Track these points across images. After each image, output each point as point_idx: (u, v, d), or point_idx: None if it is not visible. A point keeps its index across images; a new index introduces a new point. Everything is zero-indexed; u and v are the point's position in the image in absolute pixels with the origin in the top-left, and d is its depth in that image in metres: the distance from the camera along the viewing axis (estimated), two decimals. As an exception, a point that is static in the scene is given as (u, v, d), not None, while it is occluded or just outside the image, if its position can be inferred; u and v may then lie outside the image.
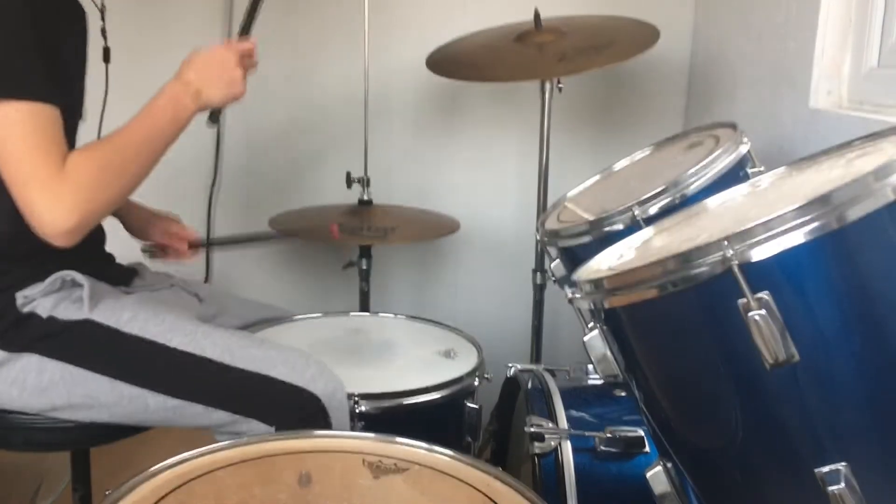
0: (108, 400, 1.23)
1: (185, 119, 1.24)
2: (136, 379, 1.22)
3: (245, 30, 1.40)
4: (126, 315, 1.24)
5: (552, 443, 1.23)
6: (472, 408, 1.40)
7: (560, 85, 1.80)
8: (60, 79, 1.18)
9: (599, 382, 1.42)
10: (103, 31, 1.44)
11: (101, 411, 1.24)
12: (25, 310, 1.21)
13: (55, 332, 1.21)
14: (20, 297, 1.21)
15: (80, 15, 1.33)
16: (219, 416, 1.24)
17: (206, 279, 2.26)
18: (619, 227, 1.20)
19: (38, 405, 1.23)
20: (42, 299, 1.22)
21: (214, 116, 1.38)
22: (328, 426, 1.22)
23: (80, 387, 1.22)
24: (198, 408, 1.23)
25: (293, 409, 1.22)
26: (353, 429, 1.26)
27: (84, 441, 1.37)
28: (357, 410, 1.26)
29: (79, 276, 1.24)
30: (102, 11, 1.42)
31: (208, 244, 1.74)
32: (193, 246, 1.60)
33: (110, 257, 1.45)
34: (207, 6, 2.15)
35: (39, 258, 1.21)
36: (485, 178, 2.30)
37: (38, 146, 1.11)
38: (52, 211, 1.10)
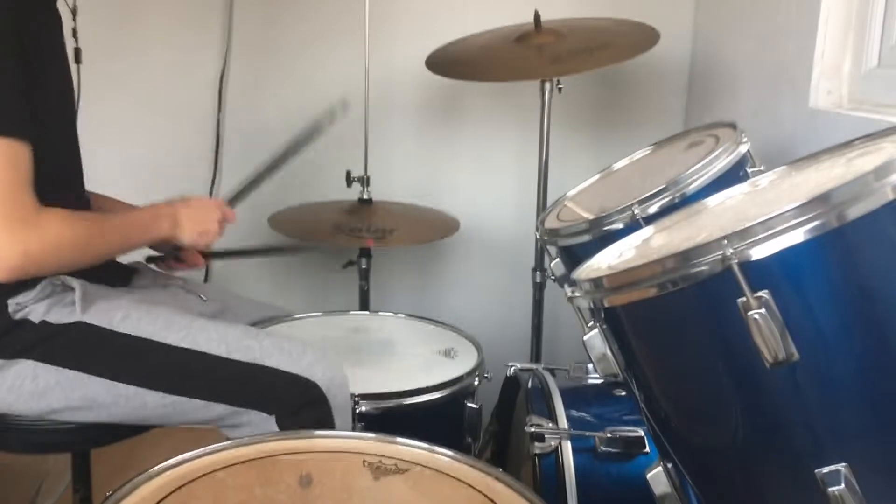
0: (106, 400, 1.23)
1: (154, 238, 1.34)
2: (132, 378, 1.22)
3: (237, 198, 1.56)
4: (119, 315, 1.24)
5: (552, 443, 1.23)
6: (473, 408, 1.40)
7: (560, 85, 1.80)
8: (54, 80, 1.17)
9: (599, 382, 1.42)
10: (74, 32, 1.44)
11: (99, 412, 1.24)
12: (18, 316, 1.20)
13: (48, 337, 1.21)
14: (12, 304, 1.20)
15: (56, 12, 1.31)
16: (218, 409, 1.24)
17: (206, 279, 2.25)
18: (619, 225, 1.20)
19: (36, 409, 1.23)
20: (34, 305, 1.21)
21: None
22: (328, 411, 1.22)
23: (77, 390, 1.22)
24: (196, 403, 1.23)
25: (292, 396, 1.23)
26: (353, 429, 1.26)
27: (83, 443, 1.37)
28: (357, 411, 1.26)
29: (69, 279, 1.23)
30: (74, 12, 1.42)
31: (222, 255, 1.65)
32: (207, 256, 1.55)
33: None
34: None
35: None
36: (485, 178, 2.30)
37: (13, 183, 1.10)
38: (9, 249, 1.10)
